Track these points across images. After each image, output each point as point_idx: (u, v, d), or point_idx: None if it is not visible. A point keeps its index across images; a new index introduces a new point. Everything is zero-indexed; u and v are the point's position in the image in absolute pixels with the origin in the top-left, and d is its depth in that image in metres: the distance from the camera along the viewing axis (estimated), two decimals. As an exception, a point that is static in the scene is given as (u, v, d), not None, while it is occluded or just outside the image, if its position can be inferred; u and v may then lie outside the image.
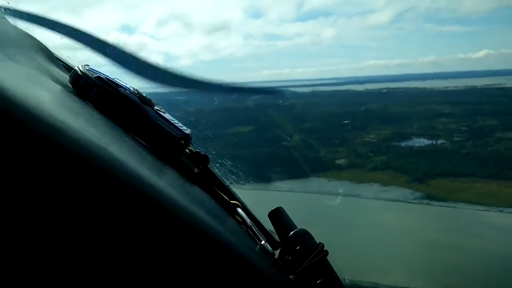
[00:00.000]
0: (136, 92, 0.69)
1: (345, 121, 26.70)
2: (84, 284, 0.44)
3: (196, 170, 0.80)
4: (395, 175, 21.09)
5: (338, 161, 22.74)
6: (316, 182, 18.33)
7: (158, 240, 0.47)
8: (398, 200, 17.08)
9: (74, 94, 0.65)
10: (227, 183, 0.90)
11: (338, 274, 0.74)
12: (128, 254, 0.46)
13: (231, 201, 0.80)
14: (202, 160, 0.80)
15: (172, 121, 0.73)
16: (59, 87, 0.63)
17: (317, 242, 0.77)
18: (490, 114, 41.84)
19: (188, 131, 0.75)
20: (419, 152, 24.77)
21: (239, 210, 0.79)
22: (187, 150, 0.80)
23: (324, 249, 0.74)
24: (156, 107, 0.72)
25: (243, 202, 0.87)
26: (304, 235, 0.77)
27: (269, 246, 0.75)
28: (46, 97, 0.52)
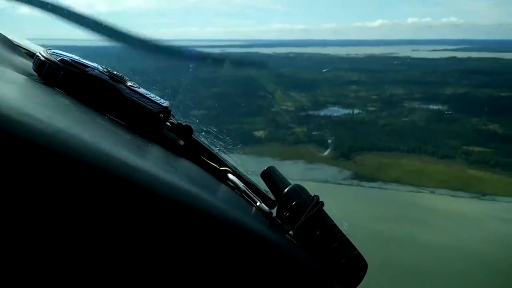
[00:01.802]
0: (105, 70, 0.67)
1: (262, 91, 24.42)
2: (73, 271, 0.41)
3: (181, 142, 0.78)
4: (319, 149, 19.44)
5: (256, 133, 20.34)
6: (235, 159, 15.85)
7: (149, 224, 0.45)
8: (327, 182, 15.36)
9: (40, 82, 0.63)
10: (215, 150, 0.87)
11: (336, 223, 0.74)
12: (117, 243, 0.43)
13: (221, 168, 0.80)
14: (185, 131, 0.79)
15: (147, 96, 0.72)
16: (22, 77, 0.61)
17: (312, 195, 0.77)
18: (394, 82, 42.88)
19: (166, 103, 0.74)
20: (339, 123, 23.53)
21: (230, 175, 0.79)
22: (168, 123, 0.77)
23: (320, 200, 0.75)
24: (129, 83, 0.71)
25: (234, 167, 0.86)
26: (298, 190, 0.78)
27: (265, 206, 0.76)
28: (7, 89, 0.51)
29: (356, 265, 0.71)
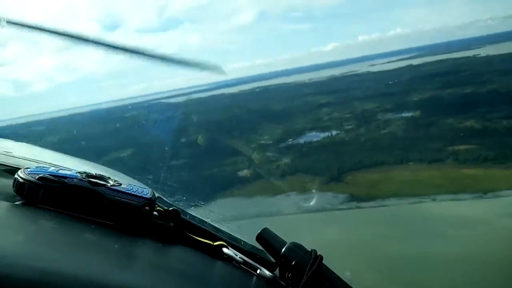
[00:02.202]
0: (84, 176, 0.68)
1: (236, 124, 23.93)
2: None
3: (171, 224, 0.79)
4: (308, 178, 18.87)
5: (241, 173, 19.63)
6: (224, 204, 15.03)
7: None
8: (325, 210, 14.64)
9: (22, 203, 0.63)
10: (207, 223, 0.88)
11: (338, 274, 0.75)
12: None
13: (215, 244, 0.79)
14: (173, 216, 0.78)
15: (130, 191, 0.72)
16: (3, 203, 0.61)
17: (309, 250, 0.78)
18: (363, 98, 43.41)
19: (149, 194, 0.74)
20: (321, 147, 23.15)
21: (225, 250, 0.78)
22: (155, 212, 0.76)
23: (318, 254, 0.75)
24: (110, 183, 0.71)
25: (229, 236, 0.86)
26: (295, 248, 0.78)
27: (266, 272, 0.76)
28: None
29: None
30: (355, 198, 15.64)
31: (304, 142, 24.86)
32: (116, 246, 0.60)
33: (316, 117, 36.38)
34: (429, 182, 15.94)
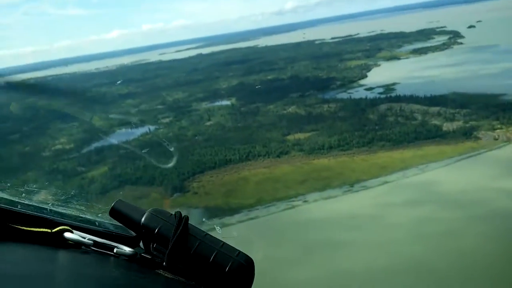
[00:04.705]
0: None
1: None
2: None
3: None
4: (140, 191, 14.35)
5: (37, 196, 13.47)
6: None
7: None
8: None
9: None
10: (46, 211, 0.77)
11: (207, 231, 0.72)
12: None
13: (53, 231, 0.69)
14: None
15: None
16: None
17: (172, 213, 0.70)
18: (168, 87, 39.80)
19: None
20: (142, 147, 18.64)
21: (68, 234, 0.69)
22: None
23: (184, 215, 0.68)
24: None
25: (74, 221, 0.76)
26: (157, 215, 0.69)
27: (125, 248, 0.68)
28: None
29: (243, 265, 0.66)
30: (214, 211, 12.36)
31: (118, 142, 19.58)
32: None
33: (122, 110, 31.04)
34: (288, 179, 13.91)
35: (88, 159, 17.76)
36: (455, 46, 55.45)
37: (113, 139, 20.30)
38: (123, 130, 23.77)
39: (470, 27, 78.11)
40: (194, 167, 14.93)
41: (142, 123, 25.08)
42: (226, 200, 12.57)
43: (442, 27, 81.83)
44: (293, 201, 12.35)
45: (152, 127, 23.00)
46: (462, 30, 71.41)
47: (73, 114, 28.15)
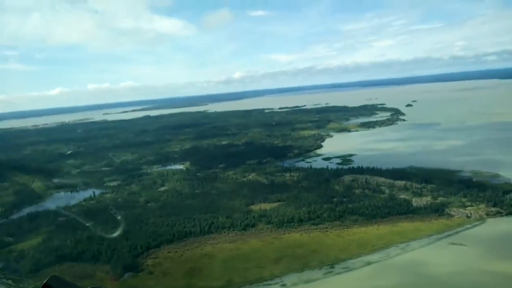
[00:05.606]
0: None
1: None
2: None
3: None
4: (83, 269, 11.91)
5: None
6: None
7: None
8: None
9: None
10: None
11: None
12: None
13: None
14: None
15: None
16: None
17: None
18: (115, 147, 37.45)
19: None
20: (85, 215, 16.25)
21: None
22: None
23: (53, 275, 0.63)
24: None
25: None
26: None
27: None
28: None
29: None
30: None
31: (56, 208, 17.25)
32: None
33: (62, 170, 28.08)
34: (259, 257, 12.18)
35: (18, 227, 15.20)
36: (399, 122, 58.56)
37: (50, 204, 17.77)
38: (62, 193, 21.38)
39: (408, 105, 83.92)
40: (149, 240, 12.87)
41: (85, 186, 22.72)
42: (189, 282, 10.58)
43: (382, 104, 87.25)
44: (269, 284, 10.62)
45: (97, 191, 20.64)
46: (401, 108, 76.22)
47: (2, 173, 24.80)
